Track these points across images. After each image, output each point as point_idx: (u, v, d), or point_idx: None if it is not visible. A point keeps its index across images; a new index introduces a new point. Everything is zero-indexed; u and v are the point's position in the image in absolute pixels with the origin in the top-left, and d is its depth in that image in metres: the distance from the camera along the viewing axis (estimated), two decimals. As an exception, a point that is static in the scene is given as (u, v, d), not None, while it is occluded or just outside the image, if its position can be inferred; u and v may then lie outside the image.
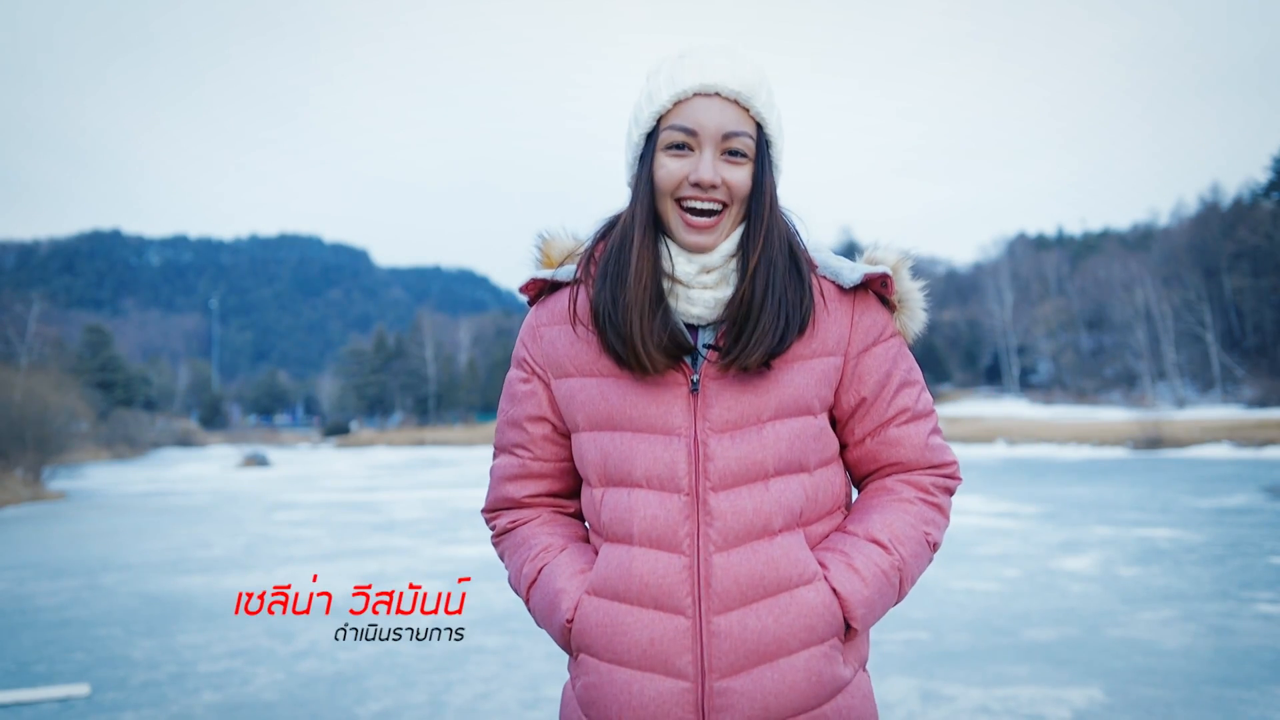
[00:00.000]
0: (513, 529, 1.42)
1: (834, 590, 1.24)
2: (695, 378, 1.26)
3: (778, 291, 1.24)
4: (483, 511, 1.47)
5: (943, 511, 1.35)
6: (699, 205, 1.24)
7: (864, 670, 1.33)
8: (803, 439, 1.27)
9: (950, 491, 1.37)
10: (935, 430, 1.37)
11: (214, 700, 4.88)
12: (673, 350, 1.24)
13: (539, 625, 1.36)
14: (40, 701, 4.94)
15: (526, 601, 1.37)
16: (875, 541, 1.28)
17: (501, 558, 1.43)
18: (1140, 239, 71.68)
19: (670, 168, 1.24)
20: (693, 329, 1.30)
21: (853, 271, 1.31)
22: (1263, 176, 59.78)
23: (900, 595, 1.30)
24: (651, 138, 1.27)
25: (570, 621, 1.28)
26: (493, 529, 1.45)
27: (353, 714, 4.60)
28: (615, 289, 1.26)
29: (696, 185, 1.23)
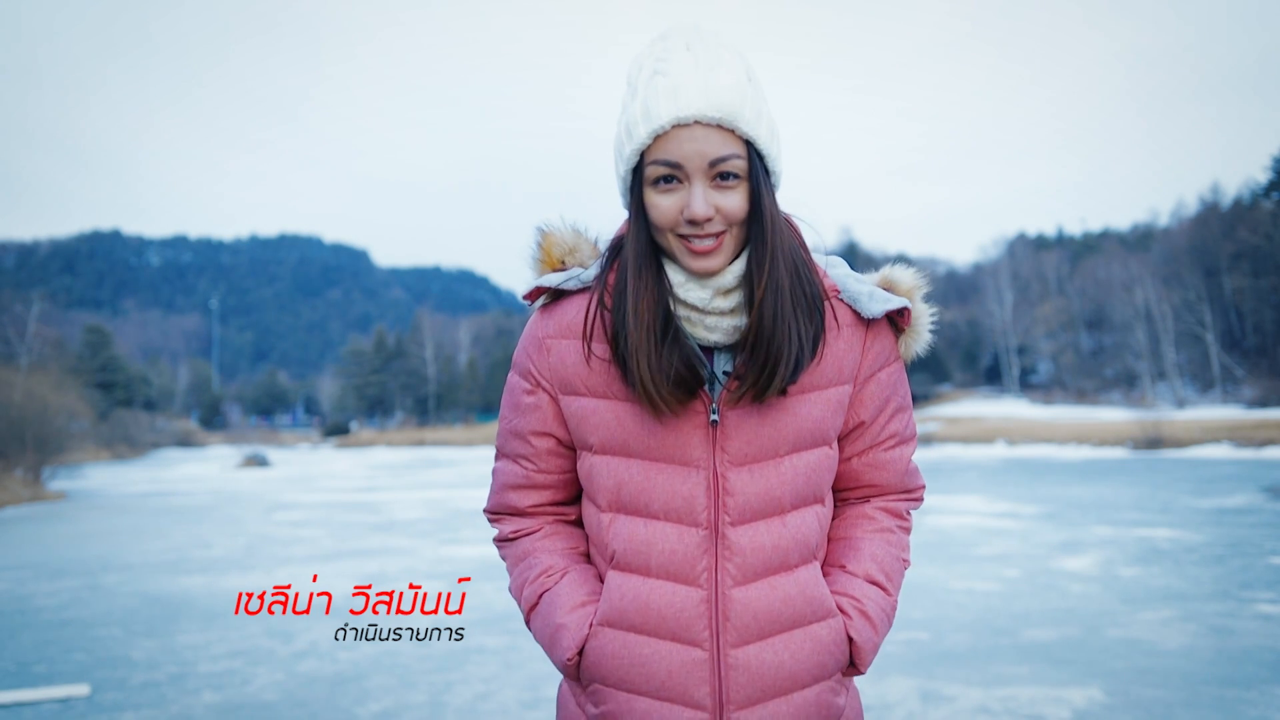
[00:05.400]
0: (515, 539, 1.41)
1: (850, 638, 1.27)
2: (714, 407, 1.24)
3: (786, 319, 1.21)
4: (485, 511, 1.46)
5: (909, 532, 1.41)
6: (697, 239, 1.20)
7: (852, 689, 1.36)
8: (818, 470, 1.28)
9: (914, 510, 1.44)
10: (912, 453, 1.41)
11: (214, 700, 4.88)
12: (687, 383, 1.21)
13: (539, 645, 1.36)
14: (40, 701, 4.93)
15: (527, 623, 1.36)
16: (875, 583, 1.31)
17: (504, 561, 1.43)
18: (1140, 239, 71.65)
19: (662, 206, 1.19)
20: (709, 352, 1.27)
21: (871, 300, 1.29)
22: (1263, 176, 59.66)
23: (890, 628, 1.35)
24: (638, 171, 1.21)
25: (571, 660, 1.28)
26: (496, 532, 1.45)
27: (353, 714, 4.60)
28: (624, 329, 1.23)
29: (691, 222, 1.17)
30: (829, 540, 1.37)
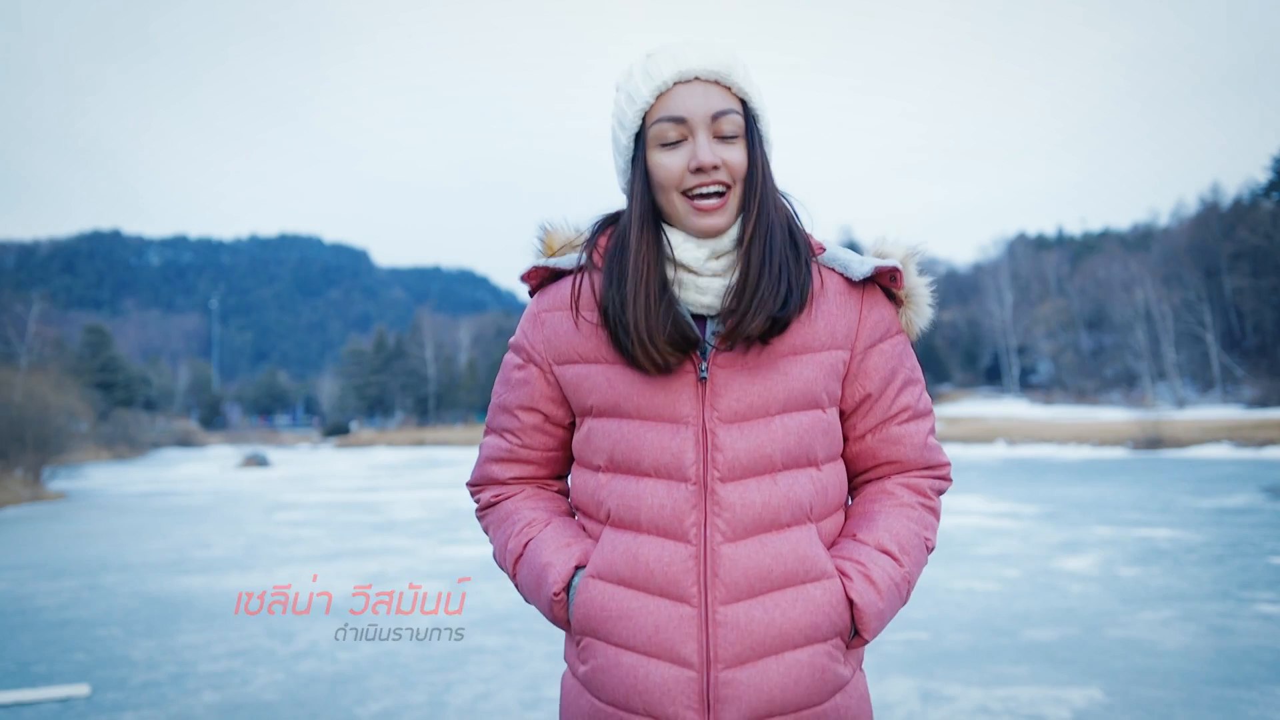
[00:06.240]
0: (497, 503, 1.44)
1: (851, 601, 1.25)
2: (704, 365, 1.26)
3: (776, 258, 1.24)
4: (468, 485, 1.48)
5: (936, 514, 1.37)
6: (705, 190, 1.24)
7: (860, 670, 1.34)
8: (811, 433, 1.28)
9: (942, 493, 1.40)
10: (932, 430, 1.39)
11: (214, 700, 4.88)
12: (680, 343, 1.23)
13: (525, 599, 1.37)
14: (40, 701, 4.93)
15: (513, 576, 1.38)
16: (886, 552, 1.29)
17: (486, 531, 1.45)
18: (1140, 239, 71.60)
19: (668, 163, 1.23)
20: (700, 320, 1.29)
21: (861, 264, 1.31)
22: (1263, 176, 59.70)
23: (904, 603, 1.32)
24: (640, 138, 1.26)
25: (558, 596, 1.29)
26: (477, 502, 1.47)
27: (353, 714, 4.60)
28: (620, 289, 1.25)
29: (699, 171, 1.22)
30: (847, 517, 1.36)
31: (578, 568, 1.30)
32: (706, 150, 1.21)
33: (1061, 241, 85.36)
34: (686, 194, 1.24)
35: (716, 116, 1.22)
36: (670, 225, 1.28)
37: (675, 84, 1.22)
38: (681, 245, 1.26)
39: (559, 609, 1.30)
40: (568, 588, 1.29)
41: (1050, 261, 72.52)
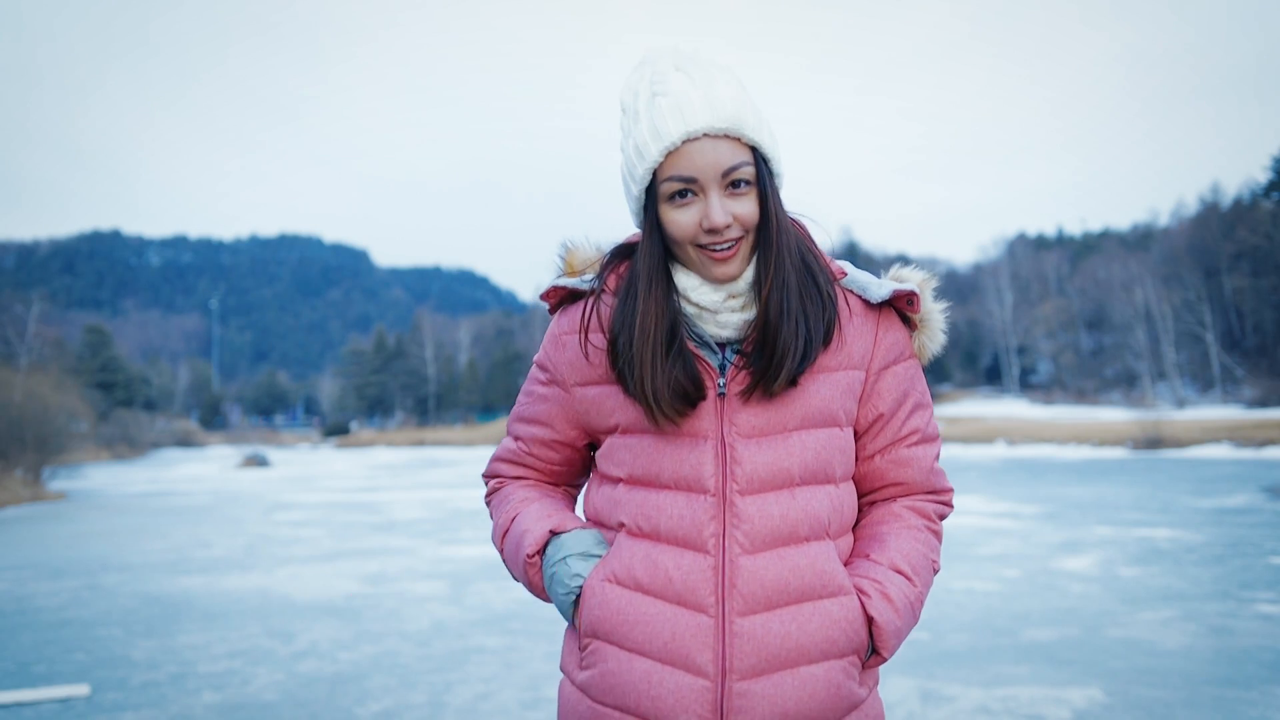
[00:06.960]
0: (499, 489, 1.50)
1: (871, 618, 1.25)
2: (721, 382, 1.27)
3: (794, 313, 1.25)
4: (482, 474, 1.56)
5: (940, 538, 1.40)
6: (718, 246, 1.24)
7: (876, 693, 1.34)
8: (829, 450, 1.29)
9: (945, 518, 1.42)
10: (938, 455, 1.41)
11: (214, 700, 4.88)
12: (687, 398, 1.25)
13: (513, 575, 1.40)
14: (40, 701, 4.93)
15: (500, 551, 1.42)
16: (900, 572, 1.30)
17: (491, 517, 1.51)
18: (1140, 239, 71.64)
19: (680, 221, 1.24)
20: (721, 345, 1.31)
21: (880, 288, 1.32)
22: (1263, 176, 59.73)
23: (916, 623, 1.33)
24: (651, 189, 1.25)
25: (530, 558, 1.33)
26: (486, 488, 1.54)
27: (353, 714, 4.60)
28: (629, 345, 1.27)
29: (711, 231, 1.22)
30: (855, 539, 1.37)
31: (553, 533, 1.34)
32: (718, 211, 1.21)
33: (1061, 241, 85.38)
34: (700, 246, 1.25)
35: (727, 172, 1.21)
36: (685, 268, 1.30)
37: (684, 142, 1.20)
38: (698, 289, 1.28)
39: (533, 572, 1.34)
40: (541, 551, 1.33)
41: (1050, 261, 72.55)
